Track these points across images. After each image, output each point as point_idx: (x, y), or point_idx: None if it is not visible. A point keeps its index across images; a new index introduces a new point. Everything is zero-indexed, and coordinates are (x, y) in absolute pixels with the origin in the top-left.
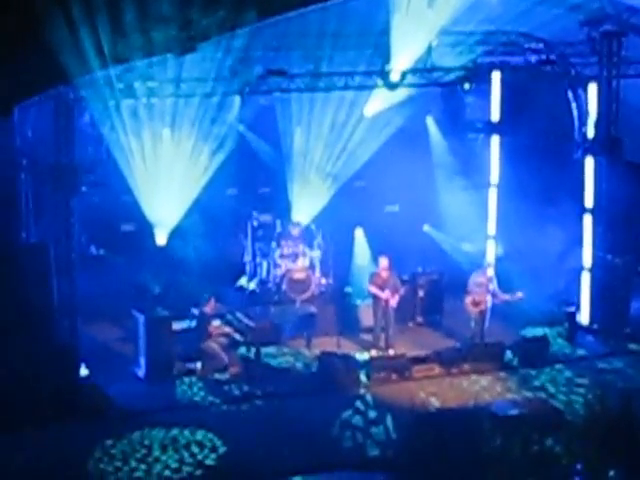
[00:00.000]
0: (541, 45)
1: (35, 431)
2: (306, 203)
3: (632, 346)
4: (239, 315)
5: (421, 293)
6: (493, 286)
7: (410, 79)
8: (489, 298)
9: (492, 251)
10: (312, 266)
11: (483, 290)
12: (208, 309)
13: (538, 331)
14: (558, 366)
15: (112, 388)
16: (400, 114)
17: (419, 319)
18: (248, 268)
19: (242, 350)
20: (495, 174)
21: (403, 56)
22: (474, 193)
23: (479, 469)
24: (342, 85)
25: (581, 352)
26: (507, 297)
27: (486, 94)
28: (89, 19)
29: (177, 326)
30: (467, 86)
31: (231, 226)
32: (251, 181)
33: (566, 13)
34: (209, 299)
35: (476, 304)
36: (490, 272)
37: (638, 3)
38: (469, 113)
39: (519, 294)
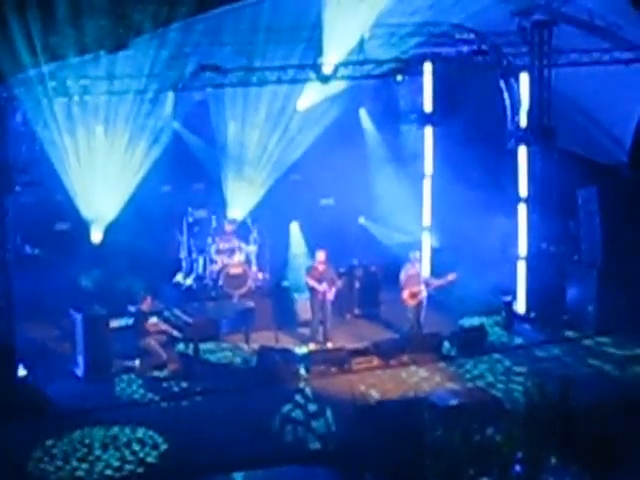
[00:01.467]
0: (472, 36)
1: None
2: (241, 198)
3: (569, 333)
4: (176, 311)
5: (358, 285)
6: (425, 276)
7: (343, 72)
8: (424, 288)
9: (427, 242)
10: (249, 261)
11: (417, 281)
12: (144, 306)
13: (475, 321)
14: (496, 355)
15: (51, 387)
16: (333, 107)
17: (356, 311)
18: (184, 264)
19: (180, 346)
20: (429, 165)
21: (335, 49)
22: (409, 184)
23: (420, 460)
24: (275, 79)
25: (519, 341)
26: (441, 281)
27: (419, 85)
28: (21, 15)
29: (114, 324)
30: (399, 78)
31: (166, 222)
32: (186, 177)
33: (497, 3)
34: (145, 296)
35: (413, 296)
36: (419, 262)
37: None
38: (402, 105)
39: (451, 276)
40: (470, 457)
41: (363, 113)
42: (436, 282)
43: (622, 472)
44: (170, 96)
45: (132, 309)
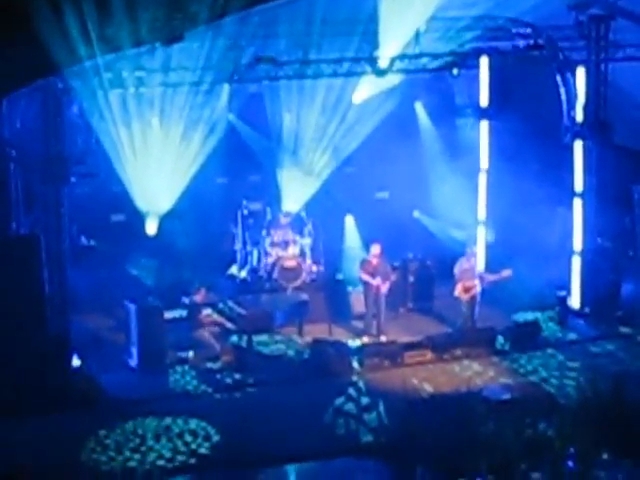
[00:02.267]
0: (529, 30)
1: (28, 422)
2: (296, 190)
3: (623, 329)
4: (230, 303)
5: (412, 279)
6: (479, 270)
7: (398, 65)
8: (478, 283)
9: (482, 236)
10: (303, 254)
11: (471, 276)
12: (199, 298)
13: (529, 316)
14: (550, 350)
15: (104, 378)
16: (389, 100)
17: (410, 305)
18: (239, 256)
19: (234, 338)
20: (485, 159)
21: (391, 43)
22: (464, 178)
23: (472, 454)
24: (331, 72)
25: (572, 336)
26: (495, 277)
27: (475, 79)
28: (76, 7)
29: (169, 315)
30: (455, 72)
31: (221, 215)
32: (241, 169)
33: None
34: (199, 288)
35: (466, 290)
36: (474, 257)
37: None
38: (458, 99)
39: (506, 272)
40: (522, 452)
41: (419, 107)
42: (490, 277)
43: None
44: (225, 88)
45: (186, 301)
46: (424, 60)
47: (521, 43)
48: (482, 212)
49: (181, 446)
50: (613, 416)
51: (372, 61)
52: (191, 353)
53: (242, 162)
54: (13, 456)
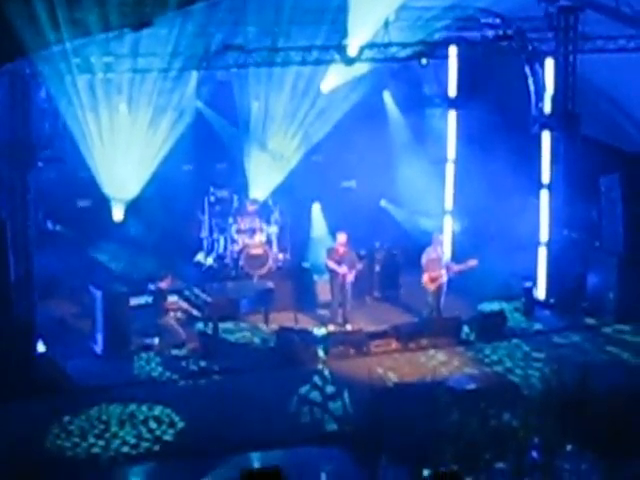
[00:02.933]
0: (498, 20)
1: None
2: (263, 178)
3: (589, 320)
4: (196, 291)
5: (378, 268)
6: (446, 259)
7: (367, 54)
8: (444, 272)
9: (449, 226)
10: (269, 241)
11: (437, 265)
12: (164, 285)
13: (495, 306)
14: (515, 341)
15: (69, 364)
16: (357, 89)
17: (376, 294)
18: (205, 244)
19: (200, 326)
20: (452, 149)
21: (360, 31)
22: (432, 168)
23: (437, 444)
24: (299, 60)
25: (538, 327)
26: (461, 267)
27: (443, 69)
28: None
29: (134, 302)
30: (424, 61)
31: (188, 202)
32: (208, 156)
33: None
34: (165, 275)
35: (433, 280)
36: (441, 246)
37: None
38: (426, 88)
39: (472, 262)
40: (486, 442)
41: (387, 96)
42: (457, 267)
43: (639, 460)
44: (194, 75)
45: (152, 287)
46: (393, 49)
47: (490, 33)
48: (449, 202)
49: (145, 433)
50: (577, 407)
51: (341, 49)
52: (156, 340)
53: (209, 149)
54: None
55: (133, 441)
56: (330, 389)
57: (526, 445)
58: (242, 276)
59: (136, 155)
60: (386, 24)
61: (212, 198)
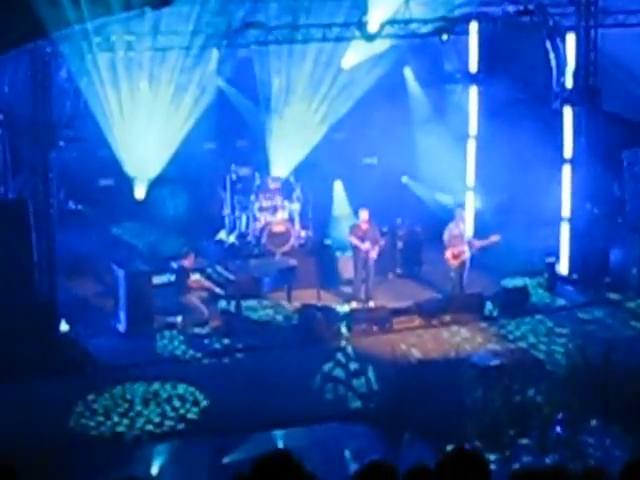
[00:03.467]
0: None
1: (16, 386)
2: (285, 156)
3: (612, 296)
4: (219, 268)
5: (400, 245)
6: (468, 236)
7: (388, 30)
8: (467, 249)
9: (471, 202)
10: (292, 219)
11: (459, 241)
12: (187, 263)
13: (518, 282)
14: (538, 316)
15: (92, 343)
16: (378, 66)
17: (399, 271)
18: (227, 221)
19: (222, 303)
20: (474, 125)
21: (381, 7)
22: (453, 145)
23: (461, 420)
24: (320, 37)
25: (561, 302)
26: (484, 243)
27: (464, 45)
28: None
29: (157, 280)
30: (445, 37)
31: (210, 180)
32: (229, 134)
33: None
34: (188, 253)
35: (455, 257)
36: (463, 222)
37: None
38: (447, 64)
39: (494, 237)
40: (510, 418)
41: (408, 72)
42: (479, 243)
43: None
44: (215, 53)
45: (175, 265)
46: (413, 25)
47: (511, 9)
48: (471, 178)
49: (169, 411)
50: (601, 382)
51: (361, 26)
52: (179, 318)
53: (231, 127)
54: (1, 421)
55: (157, 419)
56: (353, 366)
57: (550, 421)
58: (264, 254)
59: (157, 134)
60: (406, 0)
61: (234, 176)
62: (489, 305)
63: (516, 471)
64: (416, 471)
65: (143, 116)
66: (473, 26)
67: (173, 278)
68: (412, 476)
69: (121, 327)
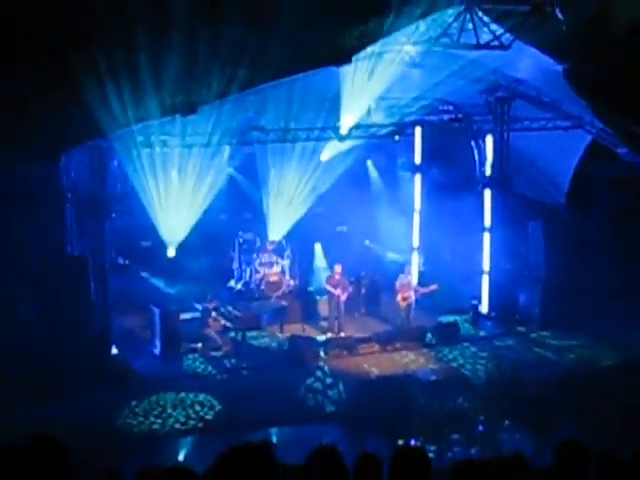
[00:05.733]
0: (451, 107)
1: (78, 396)
2: (279, 224)
3: (520, 328)
4: (229, 308)
5: (364, 291)
6: (414, 284)
7: (355, 133)
8: (412, 294)
9: (416, 259)
10: (283, 271)
11: (408, 288)
12: (212, 305)
13: (450, 318)
14: (466, 344)
15: (135, 363)
16: (347, 159)
17: (363, 310)
18: (236, 273)
19: (232, 334)
20: (418, 202)
21: (350, 115)
22: (402, 216)
23: (408, 421)
24: (305, 137)
25: (482, 333)
26: (426, 290)
27: (411, 144)
28: (118, 90)
29: (183, 316)
30: (397, 138)
31: (223, 242)
32: (238, 208)
33: (469, 84)
34: (212, 299)
35: (404, 299)
36: (410, 274)
37: (522, 76)
38: (399, 158)
39: (433, 286)
40: (445, 419)
41: (370, 164)
42: (422, 290)
43: (559, 433)
44: (227, 149)
45: (198, 306)
46: (374, 129)
47: (445, 117)
48: (416, 241)
49: (192, 414)
50: (512, 392)
51: (335, 129)
52: (200, 345)
53: (239, 203)
54: (67, 423)
55: (183, 419)
56: (329, 380)
57: (474, 421)
58: (263, 297)
59: (184, 208)
60: (369, 110)
61: (240, 239)
62: (429, 335)
63: (456, 462)
64: (367, 456)
65: (173, 195)
66: (418, 130)
67: (196, 315)
68: (364, 459)
69: (157, 351)
